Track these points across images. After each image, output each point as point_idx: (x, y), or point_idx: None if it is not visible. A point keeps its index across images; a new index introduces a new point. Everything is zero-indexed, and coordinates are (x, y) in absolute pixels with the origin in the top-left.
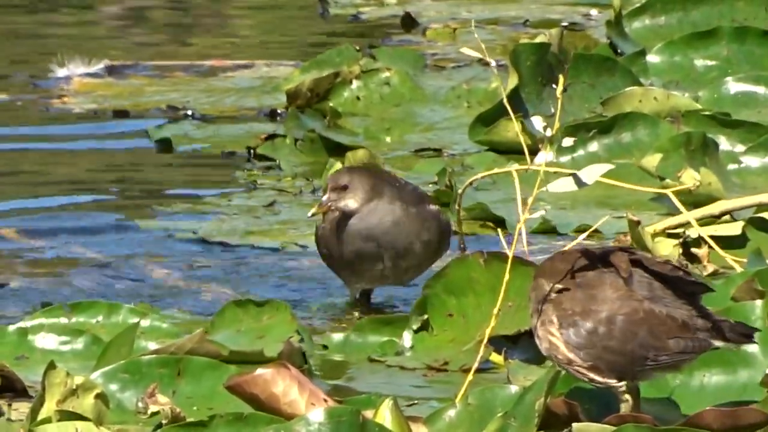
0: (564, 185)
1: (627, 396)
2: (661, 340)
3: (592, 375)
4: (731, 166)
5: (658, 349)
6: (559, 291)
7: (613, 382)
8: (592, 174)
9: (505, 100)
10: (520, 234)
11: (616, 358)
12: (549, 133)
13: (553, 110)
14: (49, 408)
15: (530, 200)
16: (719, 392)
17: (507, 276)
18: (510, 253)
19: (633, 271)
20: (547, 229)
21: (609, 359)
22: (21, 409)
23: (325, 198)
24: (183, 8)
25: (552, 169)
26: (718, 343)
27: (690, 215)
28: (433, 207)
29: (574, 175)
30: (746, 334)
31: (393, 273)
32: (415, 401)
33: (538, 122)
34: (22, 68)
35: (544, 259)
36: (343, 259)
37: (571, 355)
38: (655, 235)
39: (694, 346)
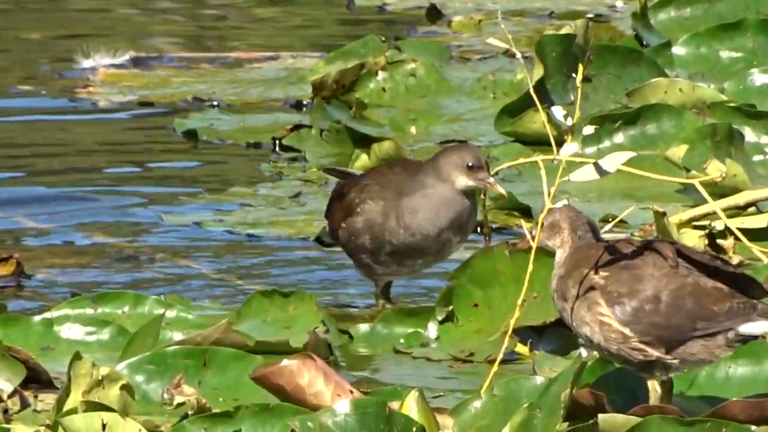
0: (586, 174)
1: (657, 387)
2: (707, 309)
3: (642, 348)
4: (757, 158)
5: (706, 319)
6: (602, 276)
7: (663, 355)
8: (613, 162)
9: (531, 91)
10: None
11: (665, 330)
12: (570, 122)
13: (572, 99)
14: (74, 399)
15: (552, 189)
16: (746, 384)
17: (531, 266)
18: (534, 244)
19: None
20: None
21: (659, 332)
22: (47, 400)
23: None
24: (211, 3)
25: (576, 159)
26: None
27: (716, 205)
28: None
29: (596, 164)
30: None
31: (427, 264)
32: (441, 393)
33: (558, 112)
34: (47, 58)
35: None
36: (391, 250)
37: (626, 330)
38: (680, 226)
39: (740, 309)
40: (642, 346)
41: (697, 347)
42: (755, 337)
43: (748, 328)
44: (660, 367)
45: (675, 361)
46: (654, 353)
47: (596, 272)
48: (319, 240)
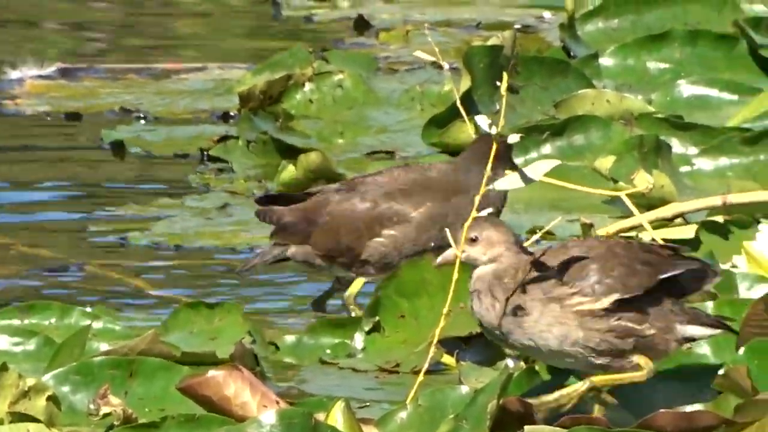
0: (511, 183)
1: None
2: (657, 260)
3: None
4: (684, 169)
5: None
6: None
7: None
8: (538, 170)
9: (458, 102)
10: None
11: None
12: (494, 131)
13: (497, 108)
14: (0, 410)
15: (477, 198)
16: (671, 394)
17: (456, 276)
18: (459, 254)
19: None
20: None
21: (624, 288)
22: None
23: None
24: (136, 11)
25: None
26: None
27: (643, 217)
28: None
29: (521, 172)
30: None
31: None
32: (367, 403)
33: (483, 121)
34: None
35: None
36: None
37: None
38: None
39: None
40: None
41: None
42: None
43: (694, 330)
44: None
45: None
46: (631, 325)
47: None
48: (316, 305)
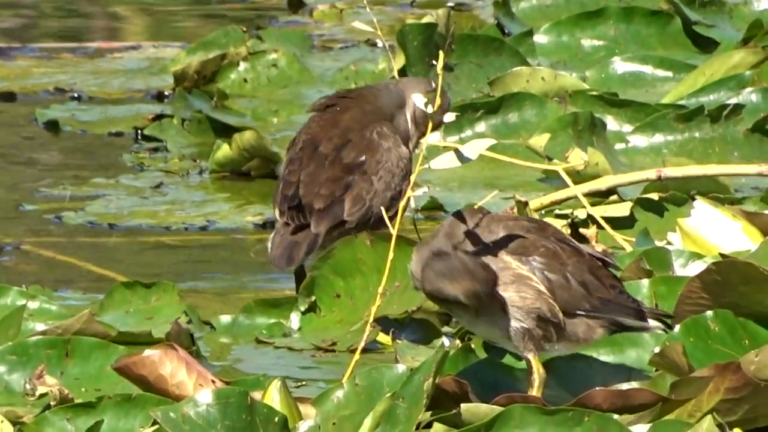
0: (447, 161)
1: (541, 370)
2: (602, 285)
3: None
4: (619, 146)
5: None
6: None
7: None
8: (474, 149)
9: (396, 78)
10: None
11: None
12: (430, 109)
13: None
14: None
15: (413, 177)
16: (608, 372)
17: (391, 255)
18: (394, 232)
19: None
20: (434, 207)
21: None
22: None
23: None
24: None
25: (439, 145)
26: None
27: (577, 189)
28: None
29: (457, 151)
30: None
31: None
32: (303, 382)
33: (419, 99)
34: None
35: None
36: None
37: (541, 287)
38: (542, 214)
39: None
40: (552, 302)
41: (582, 327)
42: (629, 329)
43: (631, 322)
44: (551, 338)
45: (568, 330)
46: (558, 314)
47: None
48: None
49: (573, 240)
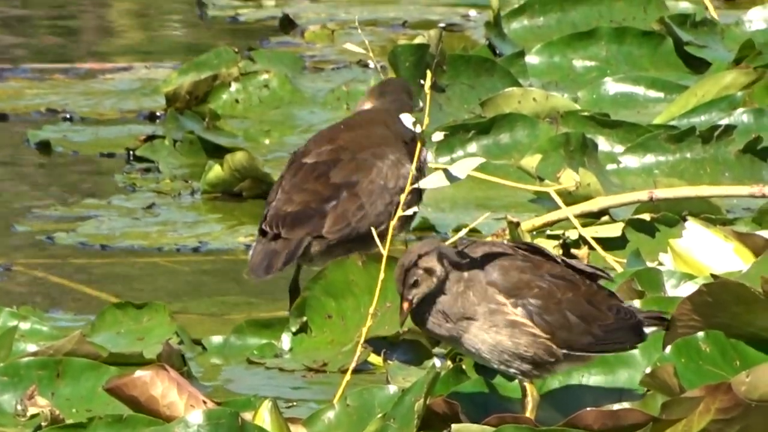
0: (436, 181)
1: (535, 392)
2: (600, 311)
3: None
4: (610, 167)
5: (599, 320)
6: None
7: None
8: (463, 168)
9: None
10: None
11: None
12: (418, 129)
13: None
14: None
15: (402, 197)
16: (599, 393)
17: (382, 275)
18: (385, 253)
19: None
20: (425, 228)
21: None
22: None
23: None
24: (62, 12)
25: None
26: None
27: (569, 210)
28: None
29: (445, 170)
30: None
31: None
32: (294, 403)
33: (407, 119)
34: None
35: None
36: None
37: (536, 331)
38: (534, 235)
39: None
40: (550, 344)
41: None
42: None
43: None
44: (552, 368)
45: (565, 365)
46: (558, 353)
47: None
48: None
49: (568, 268)
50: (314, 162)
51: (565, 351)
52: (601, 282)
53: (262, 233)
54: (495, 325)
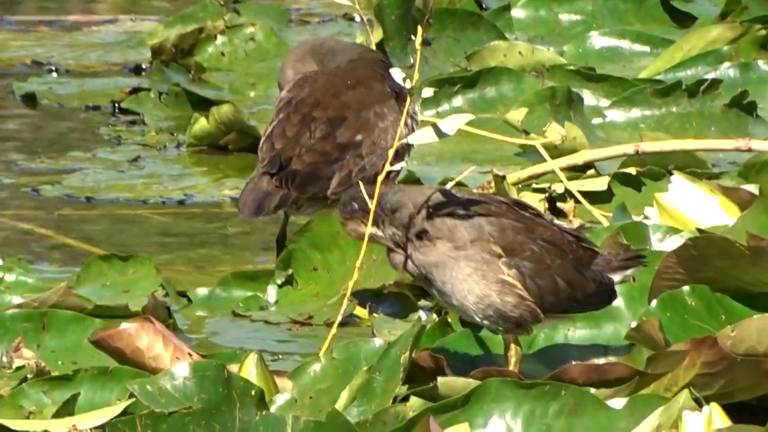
0: (425, 136)
1: (520, 351)
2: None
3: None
4: (596, 121)
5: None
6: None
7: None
8: (452, 124)
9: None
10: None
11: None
12: (408, 84)
13: (412, 62)
14: None
15: (390, 152)
16: (584, 347)
17: (369, 229)
18: (372, 207)
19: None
20: (411, 181)
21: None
22: None
23: None
24: None
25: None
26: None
27: (554, 163)
28: None
29: (435, 126)
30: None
31: None
32: (280, 356)
33: (397, 74)
34: None
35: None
36: None
37: (525, 294)
38: (520, 188)
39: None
40: (535, 307)
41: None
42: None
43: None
44: (530, 328)
45: (546, 323)
46: (541, 316)
47: (487, 231)
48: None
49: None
50: (322, 118)
51: (549, 314)
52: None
53: (264, 174)
54: (485, 278)
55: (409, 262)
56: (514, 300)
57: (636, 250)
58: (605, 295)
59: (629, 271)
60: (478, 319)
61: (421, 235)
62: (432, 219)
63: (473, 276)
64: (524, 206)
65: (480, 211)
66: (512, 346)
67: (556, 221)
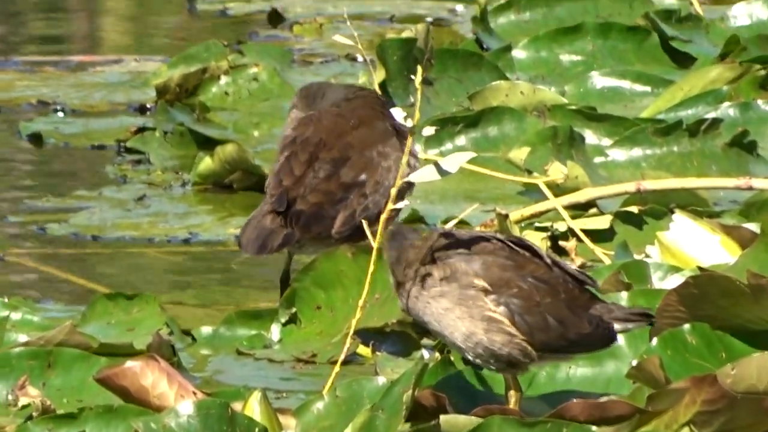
0: (427, 175)
1: (518, 394)
2: (579, 318)
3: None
4: (598, 159)
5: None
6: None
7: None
8: (454, 163)
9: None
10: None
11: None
12: (410, 123)
13: (411, 101)
14: None
15: (393, 191)
16: (586, 384)
17: (372, 267)
18: (375, 245)
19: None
20: (415, 220)
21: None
22: None
23: None
24: (52, 4)
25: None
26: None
27: (557, 201)
28: None
29: (436, 164)
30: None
31: None
32: (284, 394)
33: (398, 113)
34: None
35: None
36: None
37: (513, 330)
38: (522, 227)
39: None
40: (526, 345)
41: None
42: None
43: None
44: (525, 367)
45: (542, 362)
46: (533, 354)
47: (472, 268)
48: (283, 280)
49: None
50: (326, 158)
51: (540, 352)
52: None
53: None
54: (470, 315)
55: (405, 302)
56: (501, 338)
57: (645, 308)
58: (603, 338)
59: (631, 325)
60: (470, 357)
61: (415, 273)
62: (426, 259)
63: (455, 311)
64: (522, 244)
65: (472, 249)
66: (512, 384)
67: (561, 261)
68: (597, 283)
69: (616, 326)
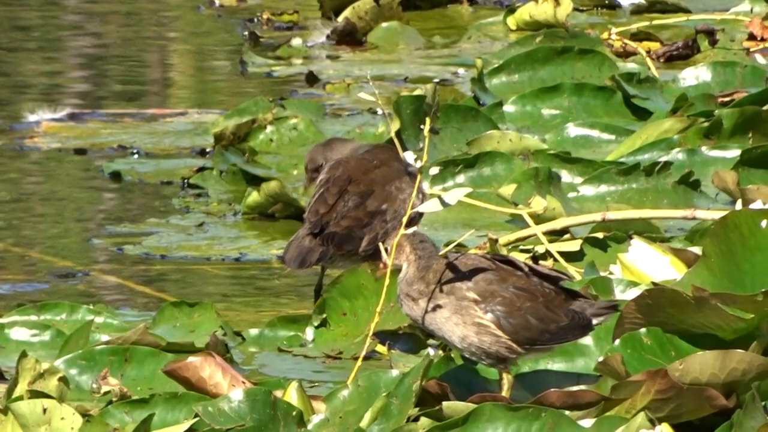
0: (431, 206)
1: (510, 377)
2: (556, 314)
3: (510, 345)
4: (571, 194)
5: (555, 321)
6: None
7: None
8: (454, 196)
9: (394, 139)
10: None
11: (527, 331)
12: (419, 164)
13: (421, 146)
14: (21, 388)
15: (404, 219)
16: (561, 376)
17: (387, 281)
18: (389, 263)
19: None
20: None
21: (524, 333)
22: None
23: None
24: (134, 70)
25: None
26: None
27: (538, 228)
28: None
29: (440, 198)
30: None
31: None
32: (316, 384)
33: (410, 156)
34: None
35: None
36: None
37: (499, 332)
38: (509, 249)
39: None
40: (511, 343)
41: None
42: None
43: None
44: (513, 360)
45: (529, 355)
46: (519, 350)
47: (465, 284)
48: (317, 291)
49: (533, 276)
50: (355, 191)
51: (527, 346)
52: (563, 282)
53: (309, 233)
54: (464, 321)
55: (416, 314)
56: (490, 339)
57: (612, 301)
58: (580, 326)
59: (601, 318)
60: (467, 355)
61: (417, 289)
62: (424, 276)
63: (452, 319)
64: (505, 260)
65: (466, 268)
66: (504, 375)
67: (538, 267)
68: (571, 278)
69: (594, 321)
